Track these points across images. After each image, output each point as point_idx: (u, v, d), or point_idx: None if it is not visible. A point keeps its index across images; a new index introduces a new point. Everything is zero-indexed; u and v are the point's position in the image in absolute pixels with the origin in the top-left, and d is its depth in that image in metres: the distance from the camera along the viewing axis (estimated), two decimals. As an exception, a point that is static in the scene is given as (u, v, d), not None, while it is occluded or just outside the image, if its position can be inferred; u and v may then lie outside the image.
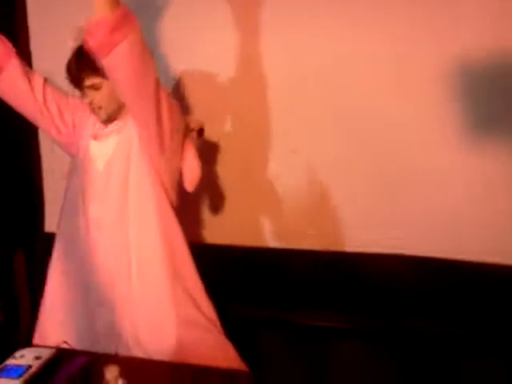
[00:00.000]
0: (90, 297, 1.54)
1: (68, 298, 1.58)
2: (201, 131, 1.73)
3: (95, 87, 1.49)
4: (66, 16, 2.05)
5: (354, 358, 2.09)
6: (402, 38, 1.85)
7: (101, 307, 1.52)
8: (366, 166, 1.96)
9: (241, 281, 2.16)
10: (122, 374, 1.09)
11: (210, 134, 1.98)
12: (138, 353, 1.46)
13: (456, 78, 1.81)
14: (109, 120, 1.55)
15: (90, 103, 1.51)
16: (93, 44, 1.26)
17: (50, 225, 2.37)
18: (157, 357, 1.42)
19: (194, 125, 1.71)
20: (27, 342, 1.63)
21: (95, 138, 1.59)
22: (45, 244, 1.67)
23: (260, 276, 2.16)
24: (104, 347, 1.46)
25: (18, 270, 2.77)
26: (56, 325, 1.58)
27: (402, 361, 2.05)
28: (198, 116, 1.95)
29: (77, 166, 1.61)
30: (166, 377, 1.24)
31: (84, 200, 1.56)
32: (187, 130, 1.66)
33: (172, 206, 1.57)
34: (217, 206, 2.14)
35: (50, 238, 1.68)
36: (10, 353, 1.26)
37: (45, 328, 1.60)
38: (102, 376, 1.09)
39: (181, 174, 1.63)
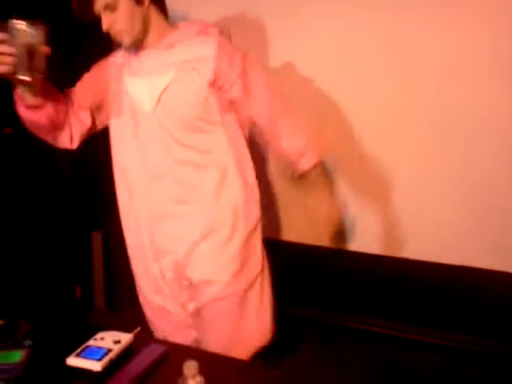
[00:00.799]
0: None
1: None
2: None
3: (110, 7, 1.35)
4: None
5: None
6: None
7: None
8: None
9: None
10: (200, 370, 1.06)
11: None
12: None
13: None
14: (136, 45, 1.43)
15: (110, 29, 1.38)
16: None
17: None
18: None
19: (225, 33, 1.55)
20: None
21: (132, 73, 1.48)
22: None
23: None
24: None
25: (95, 249, 2.87)
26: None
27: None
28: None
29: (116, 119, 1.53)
30: (244, 376, 1.20)
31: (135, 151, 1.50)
32: None
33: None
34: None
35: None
36: (81, 330, 1.29)
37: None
38: (178, 369, 1.07)
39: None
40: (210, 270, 1.52)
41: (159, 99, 1.42)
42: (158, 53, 1.44)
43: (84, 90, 1.53)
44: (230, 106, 1.49)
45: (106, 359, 1.14)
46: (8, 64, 1.18)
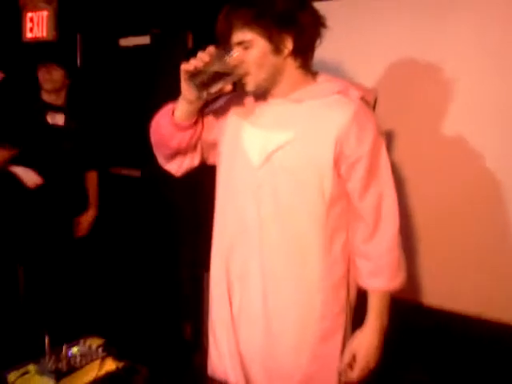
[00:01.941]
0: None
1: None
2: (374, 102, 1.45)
3: (244, 45, 1.27)
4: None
5: None
6: None
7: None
8: None
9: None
10: None
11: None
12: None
13: None
14: (261, 92, 1.34)
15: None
16: None
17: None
18: None
19: (368, 96, 1.38)
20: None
21: (250, 121, 1.38)
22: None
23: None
24: None
25: (206, 288, 2.91)
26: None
27: None
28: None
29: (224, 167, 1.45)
30: None
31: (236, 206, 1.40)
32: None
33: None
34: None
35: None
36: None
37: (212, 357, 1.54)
38: None
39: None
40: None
41: (269, 158, 1.33)
42: (283, 105, 1.34)
43: (205, 126, 1.48)
44: (343, 193, 1.35)
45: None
46: (195, 67, 1.25)
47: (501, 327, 1.80)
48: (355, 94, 1.34)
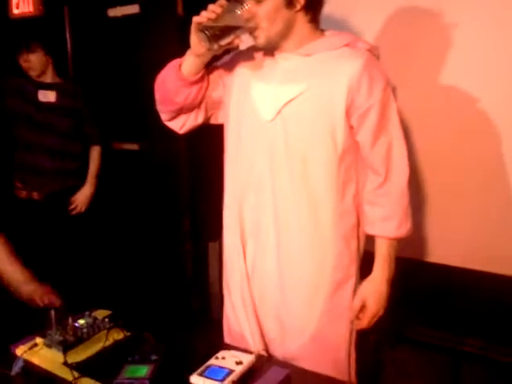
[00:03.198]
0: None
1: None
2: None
3: None
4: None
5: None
6: None
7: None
8: None
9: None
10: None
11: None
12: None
13: None
14: (271, 47, 1.35)
15: (248, 21, 1.29)
16: None
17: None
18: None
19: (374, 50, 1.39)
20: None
21: (259, 77, 1.38)
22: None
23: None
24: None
25: (211, 260, 2.93)
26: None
27: None
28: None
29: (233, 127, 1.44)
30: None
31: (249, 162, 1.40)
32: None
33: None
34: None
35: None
36: (203, 346, 1.29)
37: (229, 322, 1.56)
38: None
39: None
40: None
41: (280, 111, 1.34)
42: (292, 59, 1.35)
43: (211, 82, 1.47)
44: (354, 145, 1.37)
45: (228, 381, 1.11)
46: (208, 19, 1.24)
47: (502, 279, 1.81)
48: (363, 46, 1.36)
